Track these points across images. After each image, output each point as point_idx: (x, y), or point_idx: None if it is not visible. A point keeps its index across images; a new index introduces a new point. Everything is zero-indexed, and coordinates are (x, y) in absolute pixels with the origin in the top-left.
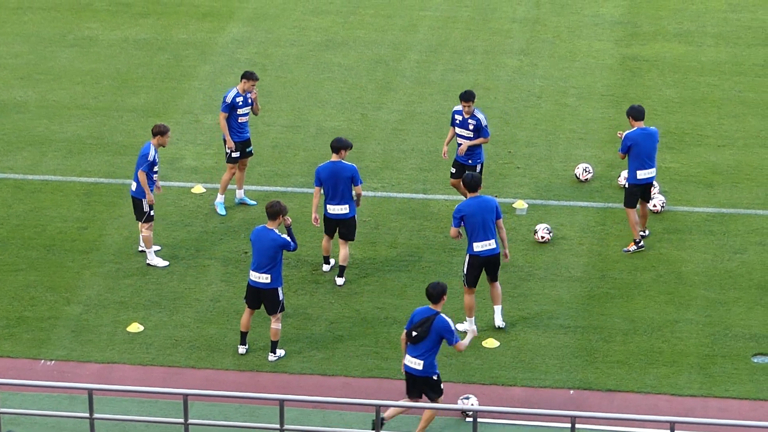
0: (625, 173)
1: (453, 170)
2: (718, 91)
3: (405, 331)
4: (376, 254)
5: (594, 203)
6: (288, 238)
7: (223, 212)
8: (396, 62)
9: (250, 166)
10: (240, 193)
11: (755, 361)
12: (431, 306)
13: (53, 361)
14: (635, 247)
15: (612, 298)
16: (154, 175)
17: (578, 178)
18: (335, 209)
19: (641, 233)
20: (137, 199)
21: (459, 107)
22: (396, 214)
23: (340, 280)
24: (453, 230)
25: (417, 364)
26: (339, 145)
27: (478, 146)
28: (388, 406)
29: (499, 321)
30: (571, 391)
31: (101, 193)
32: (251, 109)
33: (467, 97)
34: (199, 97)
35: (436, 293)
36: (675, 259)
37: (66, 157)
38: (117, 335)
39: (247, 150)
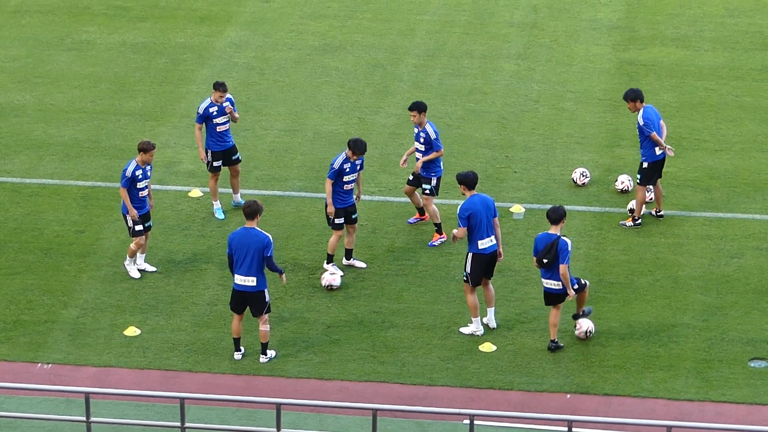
0: (622, 177)
1: (410, 178)
2: (715, 96)
3: (535, 258)
4: (374, 258)
5: (591, 208)
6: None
7: (222, 216)
8: (393, 66)
9: (247, 170)
10: (237, 197)
11: (752, 365)
12: (550, 230)
13: (50, 365)
14: (632, 224)
15: (609, 302)
16: (143, 192)
17: (575, 183)
18: None
19: (659, 213)
20: (124, 215)
21: None
22: (393, 218)
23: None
24: (461, 230)
25: (556, 285)
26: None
27: (434, 160)
28: (385, 410)
29: (493, 322)
30: (568, 395)
31: (98, 196)
32: (229, 118)
33: (412, 107)
34: (197, 100)
35: (556, 216)
36: (672, 264)
37: (63, 161)
38: (114, 339)
39: (233, 158)
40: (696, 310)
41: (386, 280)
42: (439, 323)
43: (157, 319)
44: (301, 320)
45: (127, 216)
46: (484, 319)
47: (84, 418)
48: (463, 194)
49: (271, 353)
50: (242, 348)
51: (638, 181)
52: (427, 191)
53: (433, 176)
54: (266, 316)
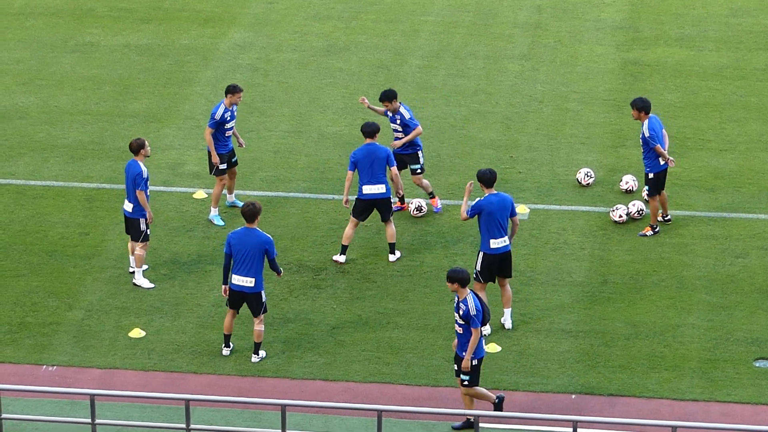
0: (627, 178)
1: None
2: (719, 96)
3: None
4: (378, 259)
5: (596, 208)
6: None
7: (221, 223)
8: (397, 67)
9: (251, 171)
10: (231, 197)
11: (757, 365)
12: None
13: (55, 367)
14: (651, 232)
15: (614, 302)
16: (147, 190)
17: (580, 183)
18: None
19: (666, 217)
20: (134, 219)
21: None
22: (397, 218)
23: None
24: (464, 215)
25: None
26: (370, 130)
27: (414, 138)
28: (390, 411)
29: (508, 323)
30: (573, 396)
31: (103, 198)
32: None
33: (383, 98)
34: (201, 102)
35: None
36: (677, 264)
37: (68, 163)
38: (119, 341)
39: (233, 160)
40: (701, 310)
41: (391, 281)
42: (444, 324)
43: (162, 321)
44: (305, 321)
45: (142, 220)
46: (501, 319)
47: (89, 420)
48: (483, 191)
49: (262, 353)
50: (231, 344)
51: (648, 193)
52: (418, 171)
53: (418, 150)
54: (262, 316)
